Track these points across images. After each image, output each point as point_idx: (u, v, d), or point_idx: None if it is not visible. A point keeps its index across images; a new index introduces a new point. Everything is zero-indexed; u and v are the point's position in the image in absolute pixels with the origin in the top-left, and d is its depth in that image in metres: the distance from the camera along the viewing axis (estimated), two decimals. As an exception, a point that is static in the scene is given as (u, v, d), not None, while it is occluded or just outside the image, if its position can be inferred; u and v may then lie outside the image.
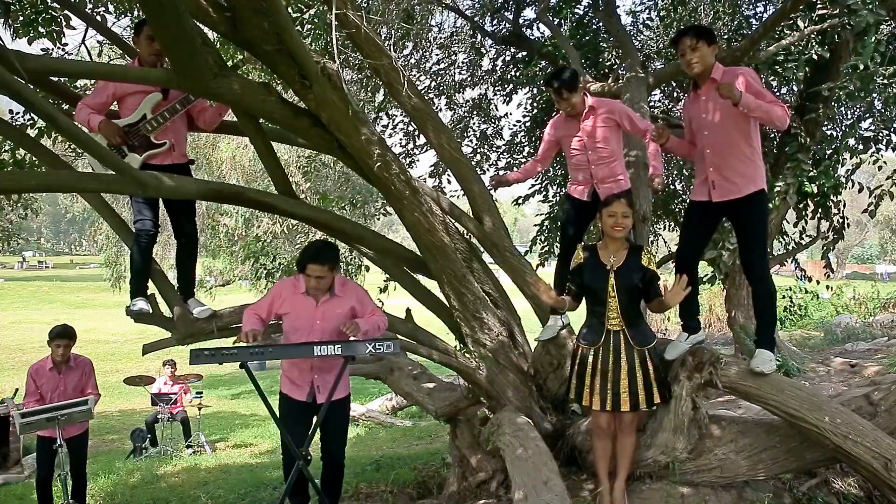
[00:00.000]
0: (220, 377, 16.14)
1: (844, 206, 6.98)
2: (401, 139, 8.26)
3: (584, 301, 3.38)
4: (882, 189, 6.54)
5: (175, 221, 3.88)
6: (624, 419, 3.29)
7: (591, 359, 3.25)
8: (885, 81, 4.78)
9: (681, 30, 3.43)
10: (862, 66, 4.66)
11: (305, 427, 3.46)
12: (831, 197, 6.68)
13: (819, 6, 5.38)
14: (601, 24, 7.07)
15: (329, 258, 3.35)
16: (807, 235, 7.63)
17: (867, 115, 7.02)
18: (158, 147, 3.64)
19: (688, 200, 3.64)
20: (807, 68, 5.77)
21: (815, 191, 6.33)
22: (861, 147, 6.63)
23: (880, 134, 6.70)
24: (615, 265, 3.22)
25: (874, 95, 5.26)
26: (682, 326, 3.56)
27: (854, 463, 3.13)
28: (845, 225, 7.02)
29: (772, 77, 6.31)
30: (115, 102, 3.69)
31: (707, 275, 6.51)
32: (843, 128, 7.20)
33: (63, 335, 4.83)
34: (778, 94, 6.93)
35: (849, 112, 7.32)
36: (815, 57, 5.59)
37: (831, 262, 7.61)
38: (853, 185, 7.00)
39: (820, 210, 6.88)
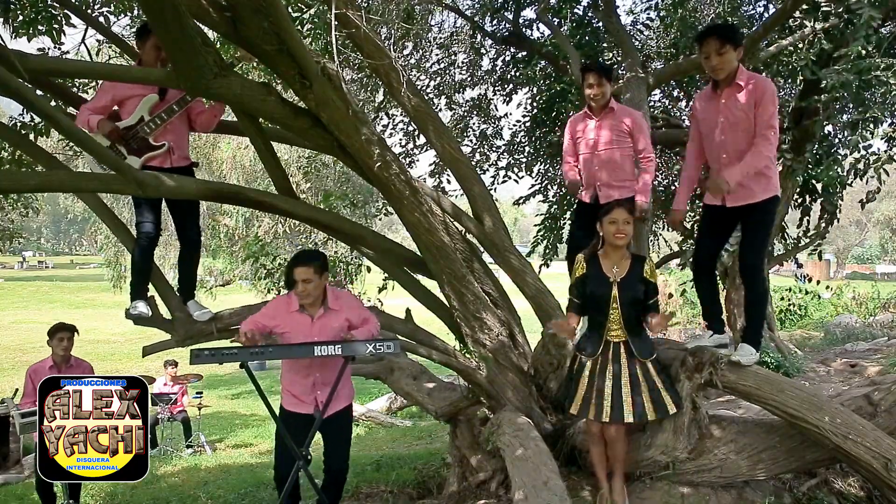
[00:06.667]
0: (220, 377, 16.14)
1: (840, 198, 7.01)
2: (401, 139, 8.26)
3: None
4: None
5: (178, 223, 3.86)
6: (609, 429, 3.24)
7: (587, 370, 3.24)
8: (879, 73, 4.70)
9: (706, 29, 3.22)
10: (856, 53, 4.57)
11: (307, 436, 3.41)
12: (829, 190, 6.71)
13: (823, 5, 5.35)
14: (601, 23, 7.06)
15: (313, 259, 3.33)
16: (805, 236, 7.66)
17: (856, 104, 6.96)
18: (157, 149, 3.63)
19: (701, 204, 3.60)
20: (809, 69, 5.75)
21: (819, 189, 6.33)
22: (848, 133, 6.58)
23: (868, 117, 6.66)
24: (618, 277, 3.20)
25: (866, 86, 5.19)
26: (705, 326, 3.59)
27: (854, 463, 3.12)
28: (837, 215, 7.06)
29: (773, 77, 6.30)
30: (118, 106, 3.68)
31: None
32: (845, 127, 7.19)
33: (64, 328, 4.83)
34: (778, 93, 6.92)
35: (848, 107, 7.31)
36: (817, 54, 5.57)
37: (823, 254, 7.69)
38: (851, 184, 7.02)
39: (823, 206, 6.91)
